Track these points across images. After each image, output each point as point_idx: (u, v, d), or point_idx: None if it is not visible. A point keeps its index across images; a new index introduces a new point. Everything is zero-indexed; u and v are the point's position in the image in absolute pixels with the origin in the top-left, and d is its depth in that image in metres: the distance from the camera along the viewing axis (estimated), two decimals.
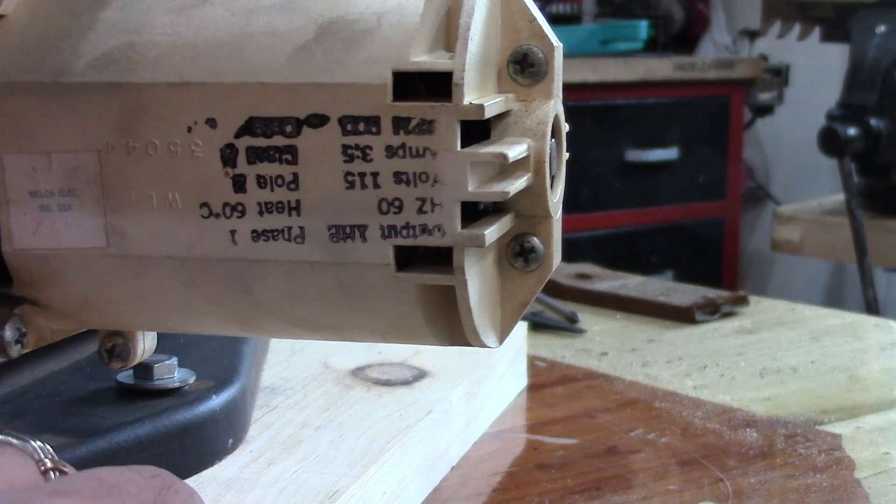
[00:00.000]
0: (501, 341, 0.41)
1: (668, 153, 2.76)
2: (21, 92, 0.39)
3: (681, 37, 3.10)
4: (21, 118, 0.40)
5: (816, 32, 2.03)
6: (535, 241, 0.40)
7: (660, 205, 2.79)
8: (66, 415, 0.54)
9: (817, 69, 2.81)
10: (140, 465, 0.36)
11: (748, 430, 0.71)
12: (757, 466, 0.65)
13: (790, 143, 3.10)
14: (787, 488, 0.62)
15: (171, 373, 0.56)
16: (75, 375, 0.59)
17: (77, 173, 0.39)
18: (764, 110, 2.94)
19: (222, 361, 0.61)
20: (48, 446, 0.37)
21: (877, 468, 0.64)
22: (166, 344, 0.61)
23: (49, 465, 0.37)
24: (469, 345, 0.40)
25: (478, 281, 0.38)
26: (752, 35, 2.95)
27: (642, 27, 2.80)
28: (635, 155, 2.72)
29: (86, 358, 0.61)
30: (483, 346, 0.40)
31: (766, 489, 0.61)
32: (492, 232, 0.37)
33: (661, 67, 2.69)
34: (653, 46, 2.95)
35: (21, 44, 0.40)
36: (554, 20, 2.87)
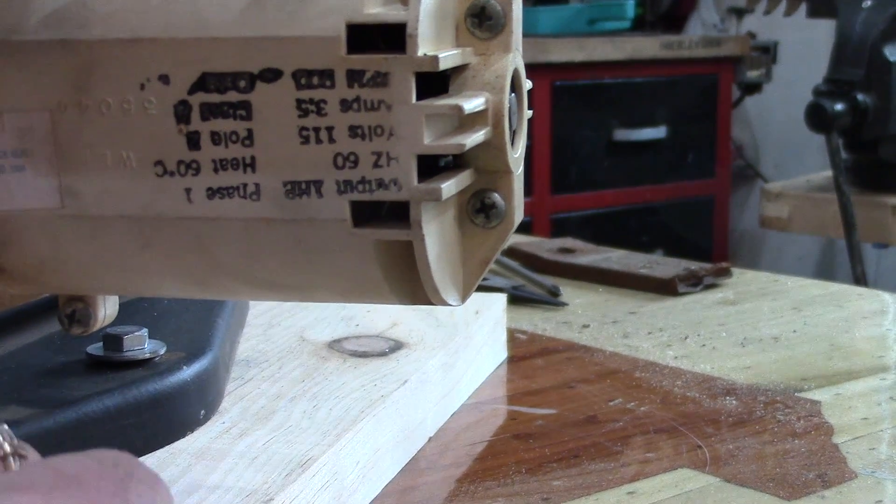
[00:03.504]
0: (464, 299, 0.40)
1: (657, 132, 2.76)
2: None
3: (668, 15, 3.10)
4: None
5: (803, 8, 2.03)
6: (496, 196, 0.40)
7: (649, 184, 2.79)
8: (35, 387, 0.54)
9: (805, 45, 2.80)
10: (102, 450, 0.35)
11: (728, 398, 0.70)
12: (735, 433, 0.64)
13: (779, 120, 3.10)
14: (764, 454, 0.61)
15: (142, 344, 0.56)
16: (45, 348, 0.59)
17: (30, 133, 0.39)
18: (752, 88, 2.93)
19: (195, 333, 0.60)
20: (5, 426, 0.37)
21: (855, 433, 0.64)
22: (138, 316, 0.61)
23: (7, 449, 0.36)
24: (430, 303, 0.39)
25: (437, 237, 0.38)
26: (740, 12, 2.95)
27: (629, 6, 2.79)
28: (624, 134, 2.71)
29: (56, 331, 0.60)
30: (444, 303, 0.39)
31: (744, 455, 0.61)
32: (449, 186, 0.37)
33: (648, 46, 2.68)
34: (640, 25, 2.94)
35: None
36: (541, 0, 2.86)
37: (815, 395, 0.71)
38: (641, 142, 2.73)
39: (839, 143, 1.80)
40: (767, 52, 2.88)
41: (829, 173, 1.83)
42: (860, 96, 1.75)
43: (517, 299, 0.93)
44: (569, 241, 1.11)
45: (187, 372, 0.56)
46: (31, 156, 0.39)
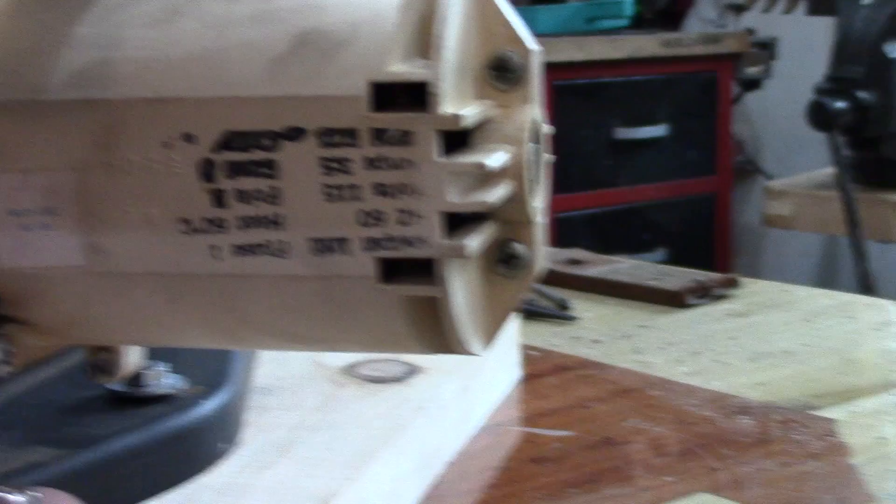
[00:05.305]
0: (488, 348, 0.41)
1: (657, 130, 2.76)
2: None
3: (666, 13, 3.09)
4: None
5: (802, 6, 2.03)
6: (519, 246, 0.40)
7: (650, 182, 2.79)
8: (58, 425, 0.54)
9: (804, 42, 2.80)
10: None
11: (742, 417, 0.70)
12: (752, 454, 0.65)
13: (779, 116, 3.10)
14: (782, 476, 0.61)
15: (162, 379, 0.56)
16: (66, 383, 0.59)
17: (56, 192, 0.39)
18: (752, 84, 2.93)
19: (213, 365, 0.60)
20: (36, 494, 0.37)
21: (872, 453, 0.64)
22: (156, 350, 0.61)
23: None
24: (455, 353, 0.40)
25: (462, 290, 0.38)
26: (738, 9, 2.95)
27: (627, 4, 2.79)
28: (624, 133, 2.71)
29: (76, 365, 0.61)
30: (469, 353, 0.40)
31: (762, 478, 0.61)
32: (474, 242, 0.37)
33: (647, 44, 2.68)
34: (638, 23, 2.94)
35: None
36: None
37: (829, 412, 0.71)
38: (642, 140, 2.74)
39: (841, 140, 1.80)
40: (766, 49, 2.88)
41: (831, 170, 1.84)
42: (861, 94, 1.76)
43: (527, 314, 0.93)
44: (577, 253, 1.11)
45: (208, 406, 0.56)
46: (57, 214, 0.39)
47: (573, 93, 2.62)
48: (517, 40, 0.39)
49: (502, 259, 0.40)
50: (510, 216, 0.39)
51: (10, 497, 0.37)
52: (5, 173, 0.39)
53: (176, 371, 0.57)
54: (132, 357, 0.45)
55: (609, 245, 2.47)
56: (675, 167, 2.83)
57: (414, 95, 0.37)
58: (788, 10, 2.04)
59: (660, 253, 2.76)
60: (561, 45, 2.52)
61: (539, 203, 0.41)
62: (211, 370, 0.60)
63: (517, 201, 0.39)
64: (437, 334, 0.39)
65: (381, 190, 0.37)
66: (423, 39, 0.38)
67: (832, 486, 0.60)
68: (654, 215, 2.81)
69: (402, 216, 0.37)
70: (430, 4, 0.37)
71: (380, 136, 0.36)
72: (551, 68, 2.69)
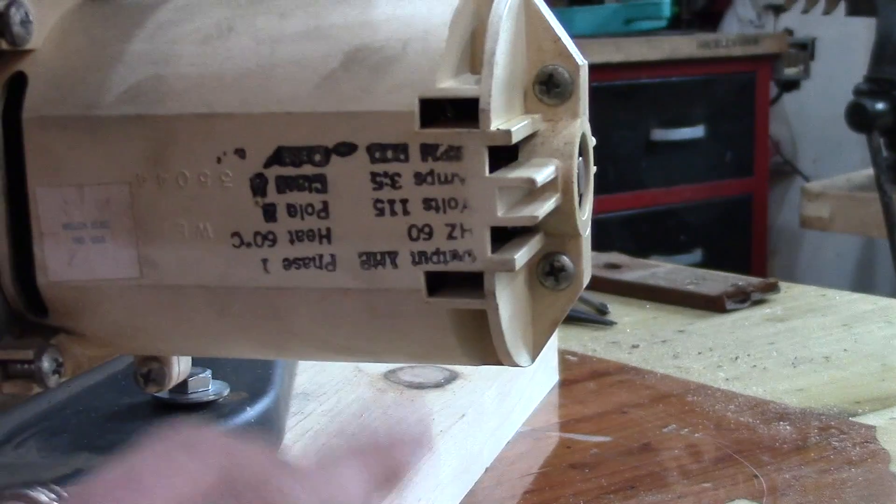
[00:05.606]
0: (534, 359, 0.41)
1: (695, 131, 2.75)
2: (52, 126, 0.40)
3: (704, 13, 3.08)
4: (52, 152, 0.40)
5: (842, 6, 2.02)
6: (565, 259, 0.40)
7: (687, 183, 2.78)
8: (103, 432, 0.55)
9: (843, 42, 2.79)
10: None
11: (781, 423, 0.70)
12: (791, 461, 0.65)
13: (817, 117, 3.09)
14: (821, 483, 0.62)
15: (206, 386, 0.57)
16: (111, 389, 0.59)
17: (109, 205, 0.40)
18: (790, 85, 2.92)
19: (255, 371, 0.61)
20: (57, 489, 0.38)
21: None
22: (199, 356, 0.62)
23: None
24: (501, 364, 0.40)
25: (509, 303, 0.39)
26: (777, 9, 2.93)
27: (665, 5, 2.78)
28: (661, 134, 2.70)
29: (120, 371, 0.61)
30: (515, 365, 0.40)
31: (801, 485, 0.61)
32: (521, 255, 0.37)
33: (685, 45, 2.67)
34: (676, 24, 2.93)
35: (51, 78, 0.40)
36: (577, 0, 2.86)
37: (869, 419, 0.71)
38: (679, 141, 2.73)
39: (881, 142, 1.79)
40: (805, 49, 2.86)
41: (869, 172, 1.83)
42: None
43: (566, 318, 0.93)
44: (615, 257, 1.11)
45: (251, 413, 0.57)
46: (110, 227, 0.40)
47: (610, 94, 2.62)
48: (566, 55, 0.40)
49: (549, 272, 0.40)
50: (557, 229, 0.40)
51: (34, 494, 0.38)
52: (60, 187, 0.40)
53: (218, 377, 0.58)
54: (181, 366, 0.46)
55: (645, 246, 2.46)
56: (712, 168, 2.82)
57: (462, 110, 0.37)
58: (828, 10, 2.03)
59: (696, 254, 2.75)
60: (598, 46, 2.52)
61: (587, 216, 0.41)
62: (253, 376, 0.60)
63: (566, 215, 0.39)
64: (484, 346, 0.39)
65: (430, 204, 0.37)
66: (474, 55, 0.38)
67: (872, 494, 0.60)
68: (690, 216, 2.80)
69: (451, 230, 0.37)
70: (481, 21, 0.38)
71: (430, 151, 0.37)
72: (589, 69, 2.68)
